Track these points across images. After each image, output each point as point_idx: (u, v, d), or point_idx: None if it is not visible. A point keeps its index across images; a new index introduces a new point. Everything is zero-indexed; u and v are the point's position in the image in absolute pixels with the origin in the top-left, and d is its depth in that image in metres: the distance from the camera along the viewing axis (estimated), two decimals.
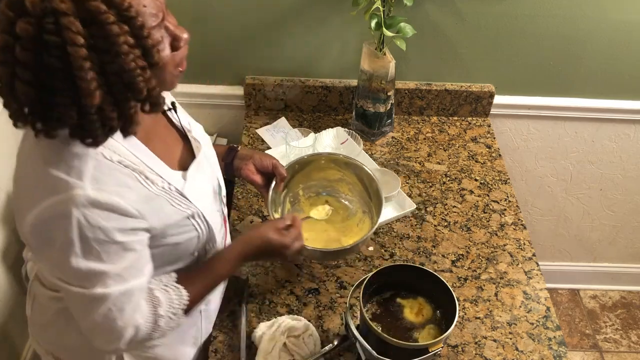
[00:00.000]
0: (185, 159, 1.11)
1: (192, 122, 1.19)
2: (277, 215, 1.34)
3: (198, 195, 1.07)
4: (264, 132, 1.78)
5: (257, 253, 1.18)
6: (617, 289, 2.51)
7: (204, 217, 1.07)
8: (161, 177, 1.00)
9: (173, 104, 1.14)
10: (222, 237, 1.20)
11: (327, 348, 1.21)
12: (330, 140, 1.72)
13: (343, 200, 1.45)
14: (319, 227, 1.40)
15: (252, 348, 1.24)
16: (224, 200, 1.25)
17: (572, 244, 2.34)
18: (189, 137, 1.14)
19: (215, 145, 1.28)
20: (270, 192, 1.32)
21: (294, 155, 1.54)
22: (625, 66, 1.80)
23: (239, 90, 1.85)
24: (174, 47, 0.93)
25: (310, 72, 1.82)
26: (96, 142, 0.87)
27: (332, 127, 1.74)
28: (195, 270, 1.11)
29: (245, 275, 1.39)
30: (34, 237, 0.92)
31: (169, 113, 1.13)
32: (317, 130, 1.75)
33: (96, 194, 0.88)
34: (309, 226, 1.37)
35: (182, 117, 1.16)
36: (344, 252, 1.34)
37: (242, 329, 1.27)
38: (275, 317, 1.29)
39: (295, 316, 1.29)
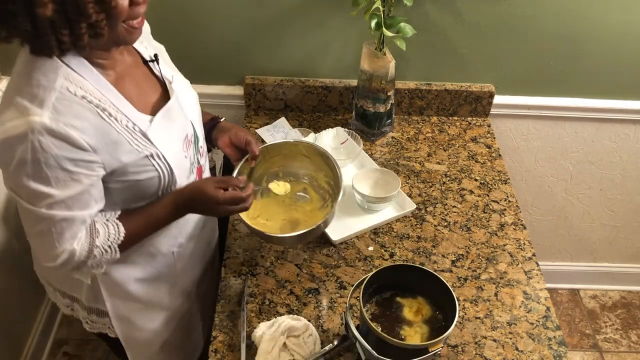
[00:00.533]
0: (161, 106, 1.17)
1: (177, 75, 1.26)
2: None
3: (162, 138, 1.13)
4: (264, 132, 1.78)
5: (190, 202, 1.21)
6: (617, 289, 2.51)
7: (164, 158, 1.13)
8: (126, 116, 1.08)
9: (156, 55, 1.21)
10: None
11: (327, 348, 1.21)
12: (330, 140, 1.72)
13: (320, 191, 1.45)
14: (282, 210, 1.41)
15: (252, 348, 1.24)
16: (201, 150, 1.31)
17: (572, 244, 2.34)
18: (168, 87, 1.20)
19: (203, 112, 1.37)
20: (238, 167, 1.34)
21: None
22: (625, 66, 1.80)
23: (239, 90, 1.85)
24: (133, 2, 0.97)
25: (310, 72, 1.82)
26: (50, 55, 0.96)
27: (332, 127, 1.74)
28: (135, 211, 1.19)
29: (244, 275, 1.39)
30: None
31: (150, 64, 1.20)
32: (317, 130, 1.75)
33: (52, 123, 0.96)
34: (274, 208, 1.39)
35: (165, 69, 1.22)
36: (282, 239, 1.33)
37: (242, 329, 1.27)
38: (275, 317, 1.29)
39: (295, 316, 1.29)
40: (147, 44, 1.22)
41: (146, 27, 1.28)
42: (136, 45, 1.18)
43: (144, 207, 1.19)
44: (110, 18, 0.95)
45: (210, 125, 1.40)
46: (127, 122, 1.07)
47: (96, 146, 1.02)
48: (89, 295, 1.32)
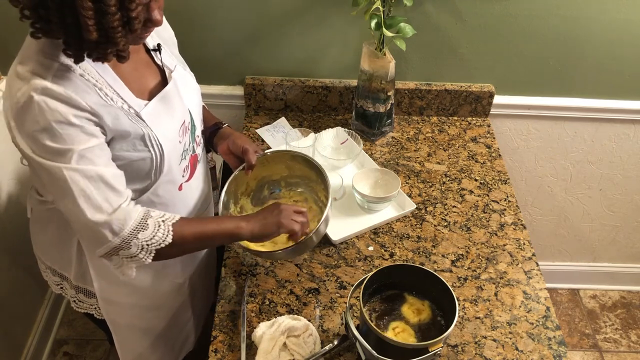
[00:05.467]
0: (159, 92, 1.19)
1: (180, 66, 1.28)
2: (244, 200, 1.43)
3: (156, 122, 1.15)
4: (264, 132, 1.78)
5: (252, 215, 1.24)
6: (617, 288, 2.51)
7: (157, 139, 1.14)
8: (121, 97, 1.10)
9: (159, 45, 1.23)
10: (182, 170, 1.27)
11: (327, 348, 1.21)
12: (330, 140, 1.72)
13: (319, 204, 1.45)
14: None
15: (252, 348, 1.24)
16: (197, 140, 1.33)
17: (572, 244, 2.34)
18: (167, 75, 1.23)
19: (209, 115, 1.43)
20: (234, 175, 1.34)
21: None
22: (625, 66, 1.80)
23: (239, 90, 1.85)
24: (146, 24, 1.02)
25: (310, 72, 1.83)
26: (74, 55, 0.99)
27: (332, 127, 1.74)
28: (193, 220, 1.21)
29: (244, 275, 1.39)
30: (14, 121, 1.03)
31: (152, 52, 1.23)
32: (317, 130, 1.75)
33: (53, 85, 1.00)
34: None
35: (167, 59, 1.25)
36: (272, 255, 1.33)
37: (242, 329, 1.27)
38: (275, 317, 1.29)
39: (295, 316, 1.29)
40: (154, 33, 1.24)
41: None
42: None
43: (203, 219, 1.22)
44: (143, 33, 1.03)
45: (212, 130, 1.41)
46: (122, 103, 1.10)
47: (98, 110, 1.04)
48: (77, 274, 1.34)
